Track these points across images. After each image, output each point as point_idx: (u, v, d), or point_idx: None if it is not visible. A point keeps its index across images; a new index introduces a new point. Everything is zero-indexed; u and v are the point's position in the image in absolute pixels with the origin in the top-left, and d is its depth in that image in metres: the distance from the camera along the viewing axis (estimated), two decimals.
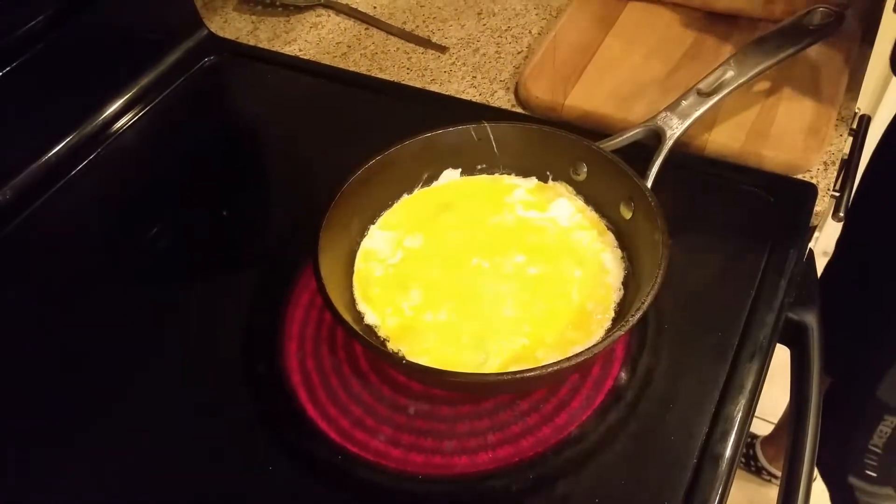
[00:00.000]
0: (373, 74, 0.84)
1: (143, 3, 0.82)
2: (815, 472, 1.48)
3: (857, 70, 0.78)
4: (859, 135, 0.76)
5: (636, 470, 0.50)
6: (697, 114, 0.64)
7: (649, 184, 0.59)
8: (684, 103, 0.65)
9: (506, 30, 0.89)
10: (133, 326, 0.63)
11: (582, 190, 0.63)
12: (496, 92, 0.80)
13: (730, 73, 0.66)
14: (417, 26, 0.90)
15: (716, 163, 0.70)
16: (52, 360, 0.61)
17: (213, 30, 0.89)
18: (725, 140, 0.70)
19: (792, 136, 0.70)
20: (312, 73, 0.85)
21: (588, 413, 0.53)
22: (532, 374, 0.47)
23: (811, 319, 0.61)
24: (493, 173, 0.66)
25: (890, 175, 0.85)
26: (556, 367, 0.47)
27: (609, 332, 0.54)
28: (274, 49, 0.89)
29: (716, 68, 0.67)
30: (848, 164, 0.73)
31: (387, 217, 0.63)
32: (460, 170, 0.65)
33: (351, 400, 0.55)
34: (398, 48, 0.87)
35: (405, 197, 0.64)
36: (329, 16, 0.93)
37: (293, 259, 0.64)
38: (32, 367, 0.61)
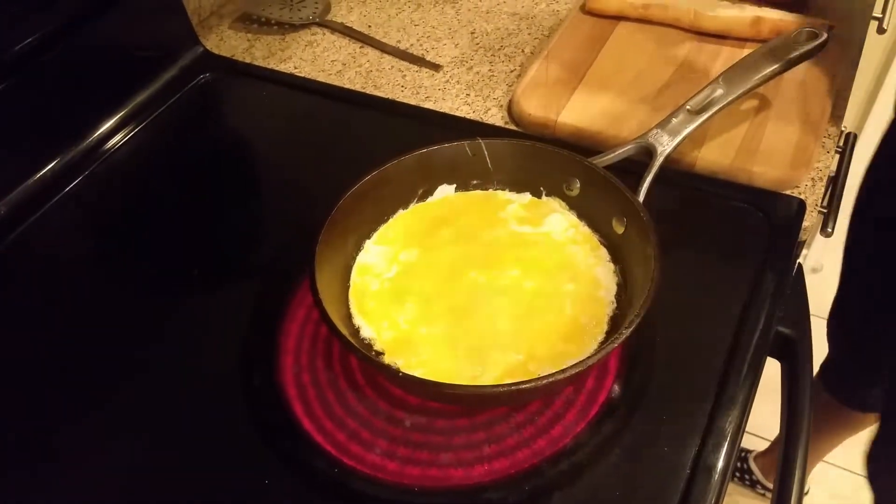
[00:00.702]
0: (368, 92, 0.85)
1: (139, 20, 0.82)
2: (808, 485, 1.49)
3: (844, 88, 0.80)
4: (846, 152, 0.77)
5: (630, 481, 0.51)
6: (687, 131, 0.66)
7: (641, 199, 0.60)
8: (674, 121, 0.66)
9: (499, 49, 0.90)
10: (128, 342, 0.63)
11: (575, 205, 0.64)
12: (490, 109, 0.81)
13: (719, 92, 0.67)
14: (412, 45, 0.91)
15: (706, 179, 0.71)
16: (52, 371, 0.61)
17: (208, 47, 0.90)
18: (715, 157, 0.71)
19: (780, 152, 0.71)
20: (308, 91, 0.85)
21: (582, 425, 0.53)
22: (527, 385, 0.48)
23: (801, 333, 0.62)
24: (487, 189, 0.66)
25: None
26: (550, 379, 0.47)
27: (602, 345, 0.55)
28: (269, 67, 0.90)
29: (705, 87, 0.68)
30: (835, 181, 0.74)
31: (382, 232, 0.64)
32: (455, 185, 0.66)
33: (347, 413, 0.55)
34: (393, 66, 0.89)
35: (401, 212, 0.65)
36: (324, 34, 0.94)
37: (289, 274, 0.64)
38: (30, 376, 0.61)
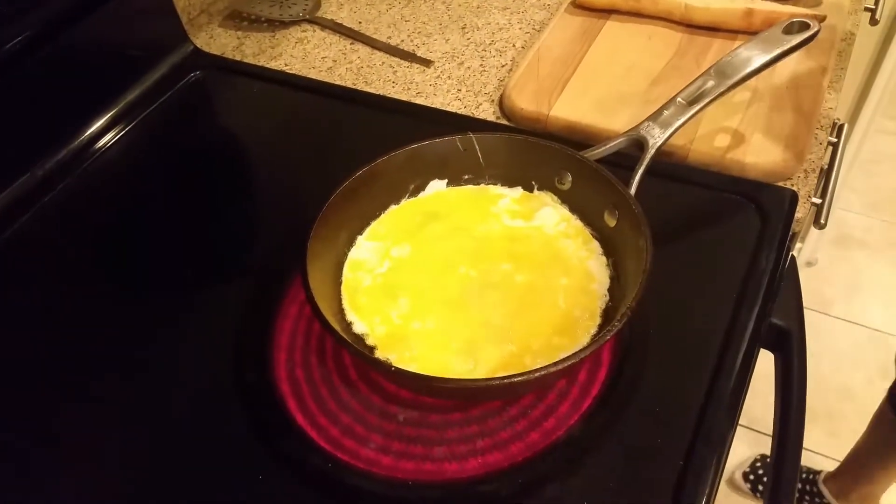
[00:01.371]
0: (358, 88, 0.85)
1: (129, 19, 0.82)
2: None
3: (836, 80, 0.80)
4: (838, 144, 0.77)
5: (624, 473, 0.51)
6: (679, 123, 0.65)
7: (633, 192, 0.60)
8: (666, 113, 0.66)
9: (490, 43, 0.90)
10: (120, 341, 0.62)
11: (567, 199, 0.64)
12: (481, 104, 0.81)
13: (710, 84, 0.67)
14: (402, 41, 0.91)
15: (698, 171, 0.71)
16: (43, 369, 0.61)
17: (198, 45, 0.89)
18: (707, 149, 0.71)
19: (772, 144, 0.71)
20: (298, 88, 0.85)
21: (576, 418, 0.53)
22: (520, 378, 0.48)
23: (794, 325, 0.62)
24: (479, 183, 0.66)
25: None
26: (543, 372, 0.47)
27: (595, 337, 0.54)
28: (260, 64, 0.89)
29: (696, 79, 0.68)
30: (828, 173, 0.74)
31: (374, 227, 0.64)
32: (447, 180, 0.66)
33: (340, 409, 0.55)
34: (383, 62, 0.88)
35: (392, 207, 0.65)
36: (314, 31, 0.94)
37: (281, 270, 0.64)
38: (22, 375, 0.61)
